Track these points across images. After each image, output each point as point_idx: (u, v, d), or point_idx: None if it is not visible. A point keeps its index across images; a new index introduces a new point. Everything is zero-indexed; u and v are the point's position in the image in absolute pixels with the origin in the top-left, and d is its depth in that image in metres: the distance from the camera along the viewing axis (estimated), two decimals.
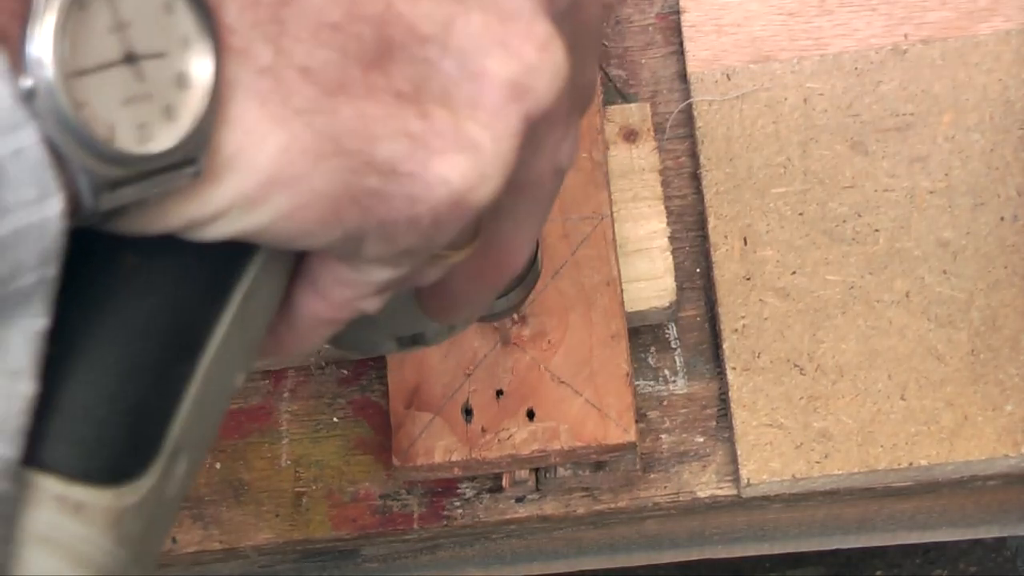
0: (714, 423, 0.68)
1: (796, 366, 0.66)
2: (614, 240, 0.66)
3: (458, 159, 0.33)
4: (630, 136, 0.71)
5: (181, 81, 0.31)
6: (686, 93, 0.73)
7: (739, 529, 0.75)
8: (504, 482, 0.66)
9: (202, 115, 0.31)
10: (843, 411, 0.65)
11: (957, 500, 0.72)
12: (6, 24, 0.28)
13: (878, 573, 1.41)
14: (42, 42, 0.28)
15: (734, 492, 0.67)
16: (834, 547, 0.78)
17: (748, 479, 0.65)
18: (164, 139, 0.30)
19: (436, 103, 0.33)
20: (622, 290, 0.65)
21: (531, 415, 0.64)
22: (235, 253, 0.35)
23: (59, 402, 0.32)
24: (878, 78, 0.70)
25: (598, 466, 0.66)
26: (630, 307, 0.66)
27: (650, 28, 0.76)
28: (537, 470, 0.66)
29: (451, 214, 0.34)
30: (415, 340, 0.48)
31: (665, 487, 0.67)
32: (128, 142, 0.30)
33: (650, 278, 0.67)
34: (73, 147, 0.29)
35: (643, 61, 0.75)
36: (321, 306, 0.37)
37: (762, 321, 0.67)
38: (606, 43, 0.75)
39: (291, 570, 0.75)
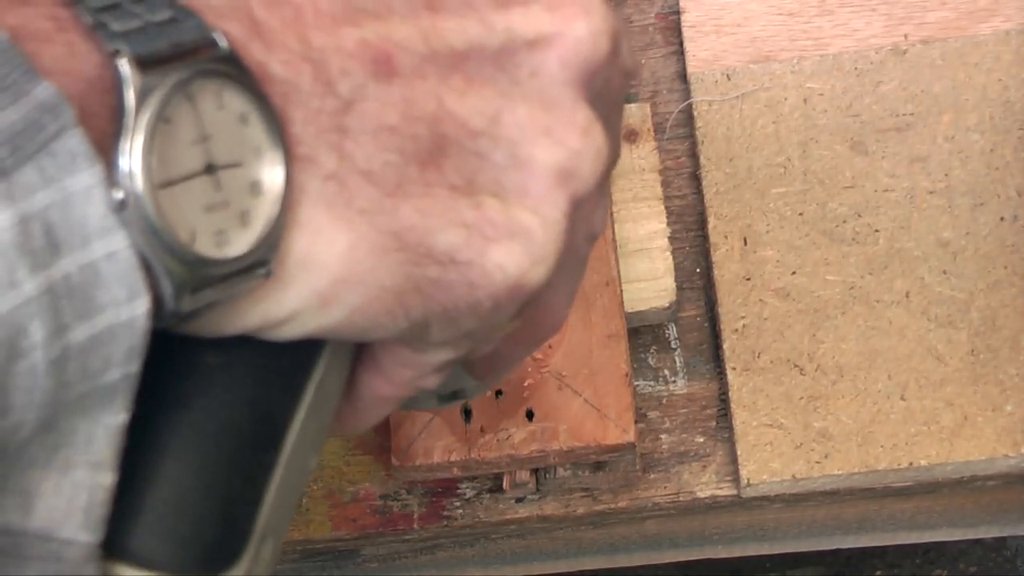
0: (714, 423, 0.68)
1: (796, 366, 0.66)
2: (614, 240, 0.66)
3: (512, 246, 0.35)
4: (630, 136, 0.71)
5: (254, 189, 0.33)
6: (686, 93, 0.73)
7: (739, 529, 0.75)
8: (504, 484, 0.66)
9: (274, 220, 0.32)
10: (843, 411, 0.65)
11: (957, 500, 0.72)
12: (100, 139, 0.30)
13: (878, 573, 1.41)
14: (133, 157, 0.30)
15: (734, 492, 0.67)
16: (834, 547, 0.78)
17: (748, 479, 0.65)
18: (240, 244, 0.32)
19: (487, 193, 0.35)
20: (622, 290, 0.65)
21: (530, 415, 0.64)
22: (307, 346, 0.36)
23: (153, 500, 0.34)
24: (878, 78, 0.70)
25: (598, 466, 0.66)
26: (630, 307, 0.66)
27: (650, 28, 0.76)
28: (537, 470, 0.66)
29: (509, 297, 0.36)
30: (455, 395, 0.49)
31: (665, 487, 0.67)
32: (208, 247, 0.32)
33: (650, 278, 0.67)
34: (159, 253, 0.31)
35: (643, 61, 0.75)
36: (385, 387, 0.40)
37: (762, 321, 0.67)
38: None
39: (291, 570, 0.75)
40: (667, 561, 0.79)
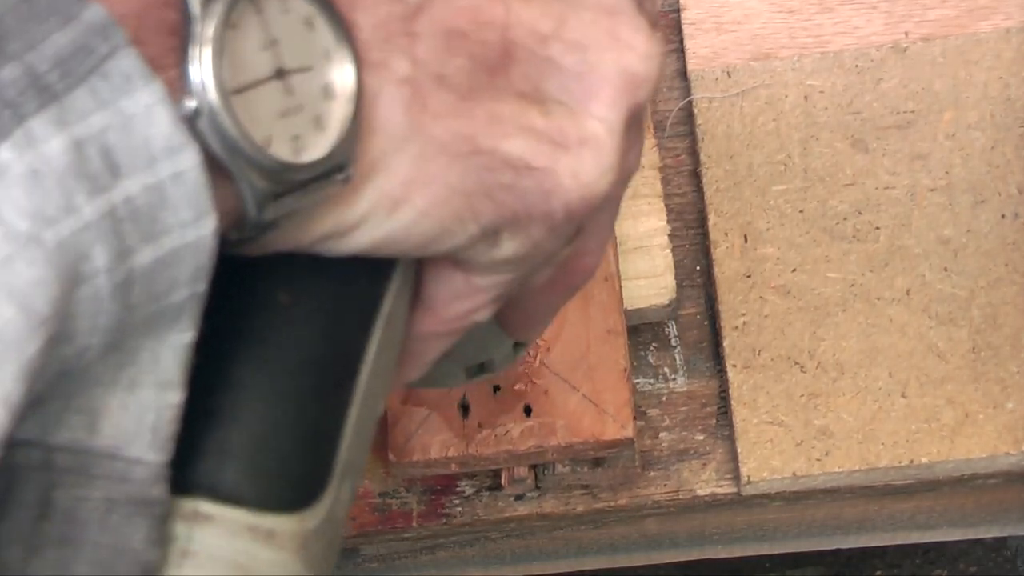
0: (714, 421, 0.68)
1: (796, 363, 0.66)
2: (613, 237, 0.66)
3: (583, 153, 0.35)
4: None
5: (327, 92, 0.32)
6: (686, 91, 0.72)
7: (739, 529, 0.75)
8: (503, 480, 0.66)
9: (349, 123, 0.32)
10: (844, 409, 0.65)
11: (957, 499, 0.72)
12: (158, 54, 0.29)
13: (878, 573, 1.41)
14: (203, 65, 0.29)
15: (734, 490, 0.67)
16: (834, 547, 0.78)
17: (748, 477, 0.65)
18: (316, 149, 0.32)
19: (555, 100, 0.35)
20: (621, 286, 0.65)
21: (528, 411, 0.64)
22: (375, 280, 0.37)
23: (236, 435, 0.34)
24: (879, 76, 0.70)
25: (596, 463, 0.65)
26: (630, 304, 0.66)
27: None
28: (536, 467, 0.66)
29: (581, 206, 0.36)
30: (482, 368, 0.49)
31: (665, 485, 0.67)
32: (285, 153, 0.31)
33: (650, 276, 0.67)
34: (237, 163, 0.30)
35: None
36: (436, 322, 0.39)
37: (762, 319, 0.67)
38: None
39: None
40: (667, 561, 0.79)
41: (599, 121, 0.35)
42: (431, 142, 0.33)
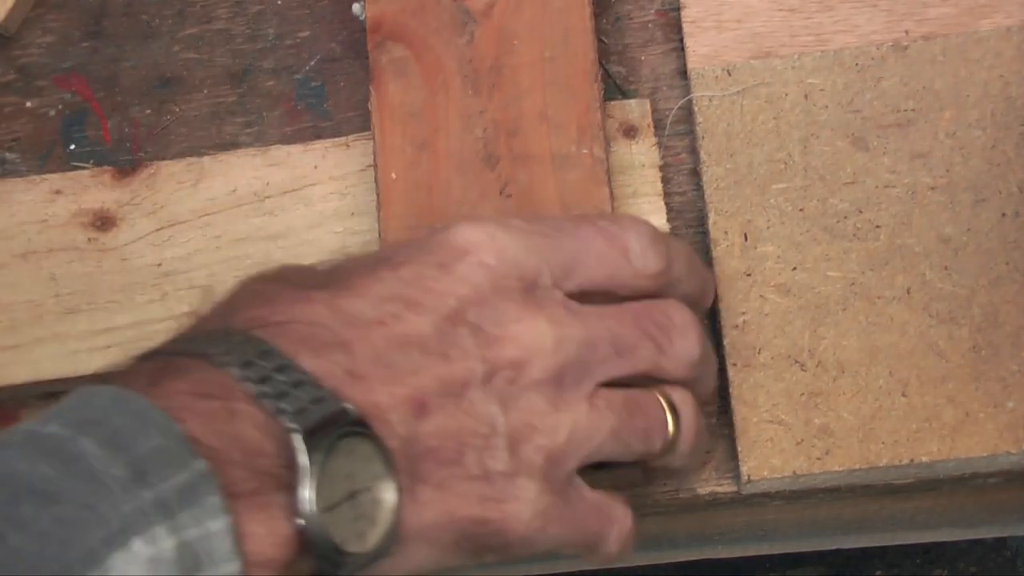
0: (714, 420, 0.68)
1: (797, 362, 0.66)
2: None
3: (520, 505, 0.53)
4: (629, 132, 0.70)
5: (377, 504, 0.48)
6: (686, 89, 0.72)
7: (739, 529, 0.75)
8: None
9: (393, 522, 0.49)
10: (844, 407, 0.65)
11: (957, 499, 0.72)
12: (248, 489, 0.45)
13: (878, 573, 1.41)
14: (309, 495, 0.46)
15: (734, 489, 0.67)
16: (834, 547, 0.78)
17: (748, 475, 0.65)
18: (373, 539, 0.48)
19: (497, 472, 0.52)
20: None
21: None
22: None
23: None
24: (879, 74, 0.70)
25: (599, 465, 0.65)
26: None
27: (650, 25, 0.76)
28: None
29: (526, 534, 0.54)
30: None
31: (665, 484, 0.67)
32: (355, 547, 0.47)
33: None
34: (328, 560, 0.46)
35: (643, 58, 0.75)
36: None
37: (762, 317, 0.67)
38: (605, 40, 0.75)
39: None
40: (667, 561, 0.79)
41: (528, 480, 0.53)
42: (435, 516, 0.51)
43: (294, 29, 0.78)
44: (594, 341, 0.56)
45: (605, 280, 0.58)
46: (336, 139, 0.73)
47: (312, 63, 0.77)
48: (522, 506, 0.52)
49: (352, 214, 0.71)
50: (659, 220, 0.68)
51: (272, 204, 0.71)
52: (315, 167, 0.72)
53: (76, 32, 0.79)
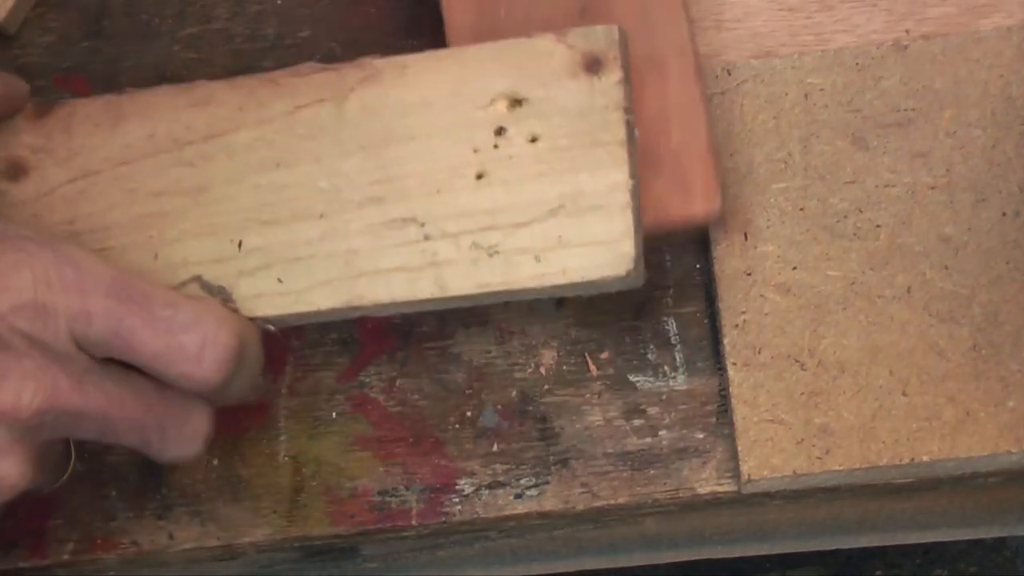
0: (714, 419, 0.68)
1: (797, 362, 0.66)
2: (685, 5, 0.67)
3: None
4: (592, 66, 0.59)
5: None
6: None
7: (739, 529, 0.75)
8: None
9: None
10: (844, 407, 0.65)
11: (957, 499, 0.72)
12: None
13: (878, 573, 1.41)
14: None
15: (734, 489, 0.67)
16: (834, 547, 0.78)
17: (749, 475, 0.65)
18: None
19: None
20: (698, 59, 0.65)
21: None
22: None
23: None
24: (879, 74, 0.70)
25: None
26: (580, 276, 0.57)
27: None
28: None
29: None
30: None
31: (665, 483, 0.67)
32: None
33: (605, 241, 0.57)
34: None
35: None
36: None
37: (763, 316, 0.67)
38: None
39: (291, 570, 0.75)
40: (667, 561, 0.79)
41: None
42: None
43: (294, 29, 0.78)
44: None
45: None
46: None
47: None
48: None
49: None
50: (619, 174, 0.57)
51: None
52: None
53: (76, 32, 0.79)
